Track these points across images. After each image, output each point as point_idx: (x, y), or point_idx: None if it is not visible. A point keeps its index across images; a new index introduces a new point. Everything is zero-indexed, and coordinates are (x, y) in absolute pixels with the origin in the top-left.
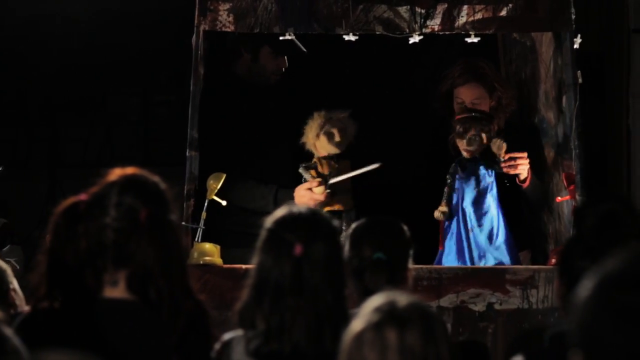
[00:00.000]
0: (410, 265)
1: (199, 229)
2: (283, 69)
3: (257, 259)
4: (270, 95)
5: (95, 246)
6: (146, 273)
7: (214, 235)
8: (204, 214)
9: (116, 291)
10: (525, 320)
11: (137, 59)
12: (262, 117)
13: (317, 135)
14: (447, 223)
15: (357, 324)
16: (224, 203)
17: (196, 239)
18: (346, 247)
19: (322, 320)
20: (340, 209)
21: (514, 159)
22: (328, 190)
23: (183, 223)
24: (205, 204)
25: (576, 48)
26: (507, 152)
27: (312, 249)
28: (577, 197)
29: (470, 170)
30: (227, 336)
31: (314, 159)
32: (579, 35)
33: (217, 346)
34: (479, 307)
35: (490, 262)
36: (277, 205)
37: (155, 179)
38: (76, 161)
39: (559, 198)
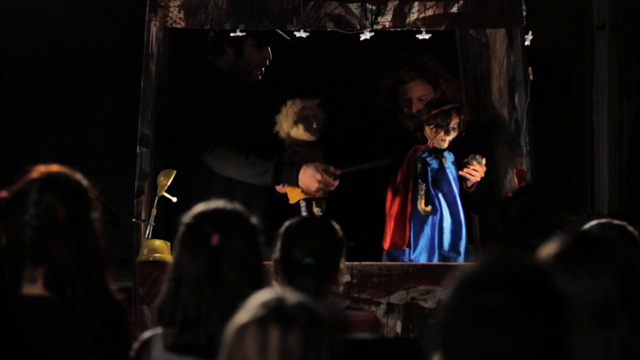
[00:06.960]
0: (342, 265)
1: (149, 226)
2: (267, 61)
3: (175, 253)
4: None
5: (15, 243)
6: (62, 271)
7: (164, 232)
8: (154, 211)
9: (34, 288)
10: None
11: (113, 55)
12: (232, 112)
13: (295, 123)
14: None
15: (242, 316)
16: (174, 199)
17: (146, 236)
18: (277, 247)
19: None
20: (320, 197)
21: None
22: (337, 181)
23: (133, 219)
24: (156, 201)
25: (527, 45)
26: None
27: (230, 242)
28: None
29: (441, 160)
30: (146, 334)
31: (289, 148)
32: (530, 32)
33: (135, 345)
34: (429, 303)
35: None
36: (277, 181)
37: (78, 177)
38: (50, 157)
39: (511, 194)
